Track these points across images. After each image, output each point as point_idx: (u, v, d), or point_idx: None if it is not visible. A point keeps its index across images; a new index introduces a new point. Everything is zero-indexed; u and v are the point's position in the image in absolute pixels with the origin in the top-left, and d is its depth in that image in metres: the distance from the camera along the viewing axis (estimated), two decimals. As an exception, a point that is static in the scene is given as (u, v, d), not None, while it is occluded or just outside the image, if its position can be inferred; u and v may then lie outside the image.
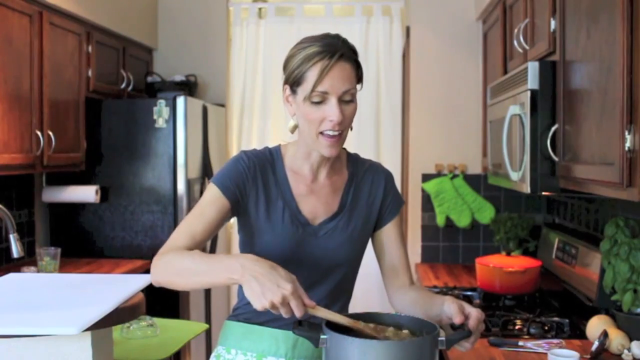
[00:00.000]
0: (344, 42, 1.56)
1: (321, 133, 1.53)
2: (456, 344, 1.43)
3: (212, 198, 1.57)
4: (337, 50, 1.51)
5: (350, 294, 1.73)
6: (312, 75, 1.51)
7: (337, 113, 1.50)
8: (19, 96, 2.95)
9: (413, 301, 1.63)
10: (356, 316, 1.47)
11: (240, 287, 1.63)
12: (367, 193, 1.69)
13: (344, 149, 1.74)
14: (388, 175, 1.74)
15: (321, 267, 1.62)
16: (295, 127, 1.62)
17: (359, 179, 1.70)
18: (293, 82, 1.55)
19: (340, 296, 1.68)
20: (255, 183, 1.61)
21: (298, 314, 1.31)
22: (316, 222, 1.63)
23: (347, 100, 1.53)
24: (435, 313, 1.52)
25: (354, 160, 1.73)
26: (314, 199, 1.64)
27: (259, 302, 1.30)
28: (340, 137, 1.55)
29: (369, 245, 1.74)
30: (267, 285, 1.30)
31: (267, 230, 1.60)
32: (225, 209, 1.57)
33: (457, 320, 1.45)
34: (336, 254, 1.63)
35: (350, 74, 1.53)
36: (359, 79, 1.58)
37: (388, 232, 1.72)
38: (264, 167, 1.63)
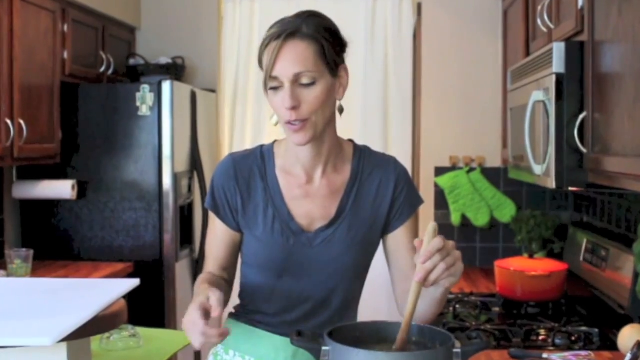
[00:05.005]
0: (306, 19, 1.52)
1: (288, 122, 1.52)
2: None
3: (213, 218, 1.66)
4: (287, 29, 1.49)
5: (356, 310, 1.71)
6: (265, 60, 1.52)
7: (287, 99, 1.48)
8: (-14, 81, 2.95)
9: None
10: (363, 325, 1.47)
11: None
12: (374, 194, 1.64)
13: (351, 141, 1.70)
14: (400, 173, 1.68)
15: (320, 282, 1.60)
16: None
17: (364, 177, 1.65)
18: (264, 72, 1.54)
19: (346, 315, 1.65)
20: (239, 193, 1.62)
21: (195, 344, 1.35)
22: (312, 228, 1.60)
23: (306, 84, 1.50)
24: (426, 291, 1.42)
25: (361, 154, 1.67)
26: (309, 202, 1.61)
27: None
28: (305, 123, 1.51)
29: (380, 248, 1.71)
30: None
31: (256, 241, 1.62)
32: (229, 224, 1.64)
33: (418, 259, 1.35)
34: (335, 266, 1.60)
35: (304, 53, 1.49)
36: (327, 58, 1.52)
37: (398, 237, 1.67)
38: (251, 172, 1.63)
